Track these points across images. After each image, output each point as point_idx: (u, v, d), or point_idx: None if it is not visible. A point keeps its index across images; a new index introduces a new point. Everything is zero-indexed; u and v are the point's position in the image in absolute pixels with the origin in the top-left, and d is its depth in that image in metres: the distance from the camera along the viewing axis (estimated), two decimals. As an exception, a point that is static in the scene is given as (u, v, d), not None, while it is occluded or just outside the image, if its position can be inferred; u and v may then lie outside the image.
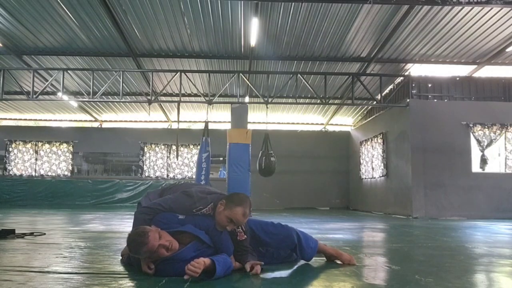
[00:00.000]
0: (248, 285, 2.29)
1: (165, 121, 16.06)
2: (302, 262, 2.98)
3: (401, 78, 11.51)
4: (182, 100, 11.17)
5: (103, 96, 12.10)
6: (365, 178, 13.57)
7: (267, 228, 2.87)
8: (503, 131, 10.62)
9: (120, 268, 2.65)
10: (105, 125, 16.18)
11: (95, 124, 16.29)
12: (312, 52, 10.49)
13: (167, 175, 15.06)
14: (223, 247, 2.57)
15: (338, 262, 2.96)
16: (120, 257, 2.96)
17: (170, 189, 2.93)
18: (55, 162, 15.18)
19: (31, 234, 4.51)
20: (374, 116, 13.27)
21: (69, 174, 15.10)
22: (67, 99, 12.69)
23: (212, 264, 2.24)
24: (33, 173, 15.02)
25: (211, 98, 10.68)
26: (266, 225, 2.89)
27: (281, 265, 2.84)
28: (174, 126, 15.60)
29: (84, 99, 11.91)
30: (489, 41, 9.70)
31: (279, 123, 15.97)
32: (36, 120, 16.31)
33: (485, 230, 6.62)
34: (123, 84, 10.86)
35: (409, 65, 11.32)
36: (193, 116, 15.67)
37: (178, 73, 10.40)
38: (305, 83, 10.56)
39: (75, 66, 11.25)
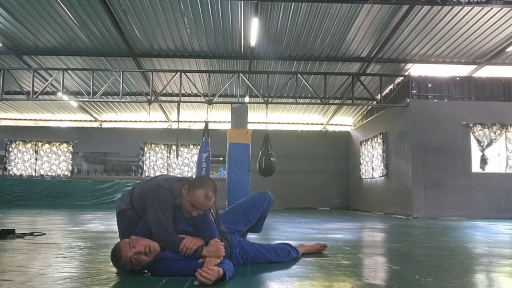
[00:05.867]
0: (247, 285, 2.29)
1: (165, 121, 16.06)
2: (301, 262, 2.99)
3: (401, 78, 11.50)
4: (182, 100, 11.17)
5: (103, 96, 12.10)
6: (365, 178, 13.58)
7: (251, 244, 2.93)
8: (503, 131, 10.62)
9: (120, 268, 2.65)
10: (105, 125, 16.19)
11: (95, 124, 16.30)
12: (312, 52, 10.49)
13: (167, 175, 15.04)
14: (208, 232, 2.54)
15: (323, 253, 3.40)
16: None
17: (139, 186, 2.82)
18: (55, 162, 15.18)
19: (31, 234, 4.50)
20: (374, 116, 13.27)
21: (69, 174, 15.10)
22: (67, 99, 12.69)
23: (223, 274, 2.23)
24: (33, 173, 15.02)
25: (211, 98, 10.68)
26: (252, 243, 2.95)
27: (280, 265, 2.84)
28: (174, 126, 15.60)
29: (84, 99, 11.91)
30: (489, 41, 9.70)
31: (279, 123, 15.98)
32: (36, 120, 16.31)
33: (485, 230, 6.62)
34: (123, 84, 10.86)
35: (409, 65, 11.33)
36: (193, 116, 15.68)
37: (178, 73, 10.40)
38: (305, 83, 10.56)
39: (75, 66, 11.25)
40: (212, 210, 2.68)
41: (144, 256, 2.31)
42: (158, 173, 15.01)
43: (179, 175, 2.88)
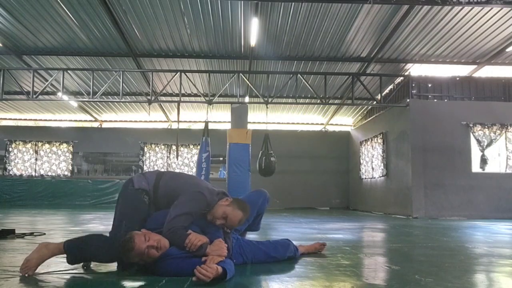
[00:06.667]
0: (247, 285, 2.29)
1: (165, 121, 16.06)
2: (301, 262, 2.99)
3: (401, 78, 11.51)
4: (182, 100, 11.17)
5: (103, 96, 12.10)
6: (365, 178, 13.58)
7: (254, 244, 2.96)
8: (503, 131, 10.62)
9: (119, 267, 2.64)
10: (105, 125, 16.19)
11: (95, 124, 16.30)
12: (312, 52, 10.49)
13: (167, 175, 15.02)
14: (214, 233, 2.56)
15: (322, 252, 3.42)
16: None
17: (174, 178, 2.81)
18: (55, 162, 15.19)
19: (31, 234, 4.50)
20: (374, 116, 13.27)
21: (69, 174, 15.10)
22: (67, 99, 12.69)
23: (223, 272, 2.24)
24: (33, 173, 15.02)
25: (211, 98, 10.68)
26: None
27: (280, 265, 2.84)
28: (174, 126, 15.60)
29: (84, 99, 11.91)
30: (489, 41, 9.70)
31: (279, 123, 15.98)
32: (36, 120, 16.31)
33: (485, 230, 6.62)
34: (123, 84, 10.86)
35: (409, 65, 11.33)
36: (193, 116, 15.68)
37: (178, 73, 10.40)
38: (305, 83, 10.56)
39: (75, 66, 11.25)
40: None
41: (155, 251, 2.34)
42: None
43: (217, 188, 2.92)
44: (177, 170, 15.05)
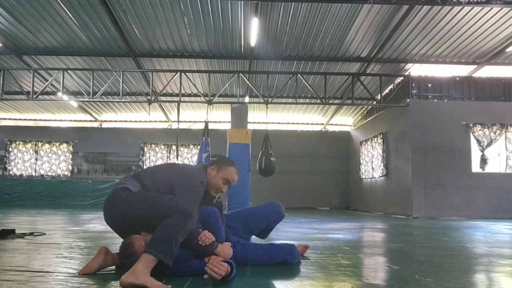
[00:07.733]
0: (246, 285, 2.29)
1: (165, 121, 16.07)
2: (301, 263, 2.99)
3: (401, 78, 11.51)
4: (182, 100, 11.17)
5: (103, 96, 12.10)
6: (365, 178, 13.58)
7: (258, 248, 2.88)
8: (503, 131, 10.62)
9: (120, 268, 2.65)
10: (105, 125, 16.19)
11: (95, 124, 16.30)
12: (312, 52, 10.49)
13: (167, 175, 15.03)
14: (217, 232, 2.57)
15: (305, 255, 3.24)
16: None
17: (162, 173, 2.65)
18: (55, 162, 15.19)
19: (31, 234, 4.50)
20: (374, 116, 13.27)
21: (69, 174, 15.11)
22: (67, 99, 12.69)
23: (230, 272, 2.25)
24: (33, 173, 15.02)
25: (211, 98, 10.68)
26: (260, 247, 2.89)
27: (280, 265, 2.84)
28: (174, 126, 15.61)
29: (84, 99, 11.91)
30: (489, 41, 9.70)
31: (279, 123, 15.99)
32: (36, 120, 16.31)
33: (485, 230, 6.62)
34: (123, 84, 10.86)
35: (409, 65, 11.33)
36: (193, 116, 15.68)
37: (178, 73, 10.40)
38: (305, 83, 10.56)
39: (75, 66, 11.25)
40: (219, 198, 2.83)
41: None
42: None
43: (195, 165, 2.99)
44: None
